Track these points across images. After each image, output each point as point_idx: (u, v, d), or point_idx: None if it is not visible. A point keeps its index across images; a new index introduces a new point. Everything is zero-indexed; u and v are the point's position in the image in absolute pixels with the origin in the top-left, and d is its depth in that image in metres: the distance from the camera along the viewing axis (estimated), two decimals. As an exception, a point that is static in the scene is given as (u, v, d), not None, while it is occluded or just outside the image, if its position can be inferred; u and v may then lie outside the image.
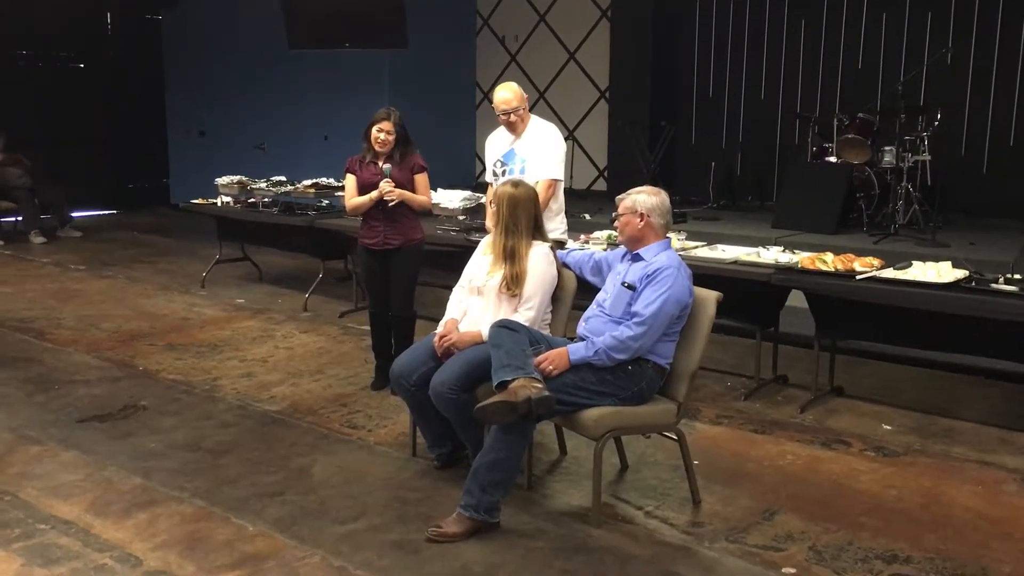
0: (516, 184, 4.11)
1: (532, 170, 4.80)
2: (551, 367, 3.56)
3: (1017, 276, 4.50)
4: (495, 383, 3.47)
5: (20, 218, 10.75)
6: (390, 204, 5.00)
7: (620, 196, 3.89)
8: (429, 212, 5.55)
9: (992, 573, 3.27)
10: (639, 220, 3.77)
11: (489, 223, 4.88)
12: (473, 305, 4.11)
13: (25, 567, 3.28)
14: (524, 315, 3.91)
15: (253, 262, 8.48)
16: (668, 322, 3.61)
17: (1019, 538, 3.53)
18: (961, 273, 4.61)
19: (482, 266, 4.13)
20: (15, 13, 11.85)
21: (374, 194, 5.02)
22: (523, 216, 4.00)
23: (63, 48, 12.83)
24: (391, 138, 5.02)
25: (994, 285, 4.45)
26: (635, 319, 3.58)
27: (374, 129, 5.03)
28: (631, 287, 3.67)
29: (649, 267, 3.66)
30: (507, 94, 4.85)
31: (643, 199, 3.79)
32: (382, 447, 4.44)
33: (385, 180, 4.99)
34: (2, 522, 3.62)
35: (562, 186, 5.00)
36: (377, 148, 5.05)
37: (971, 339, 4.69)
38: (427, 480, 4.03)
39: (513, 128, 4.91)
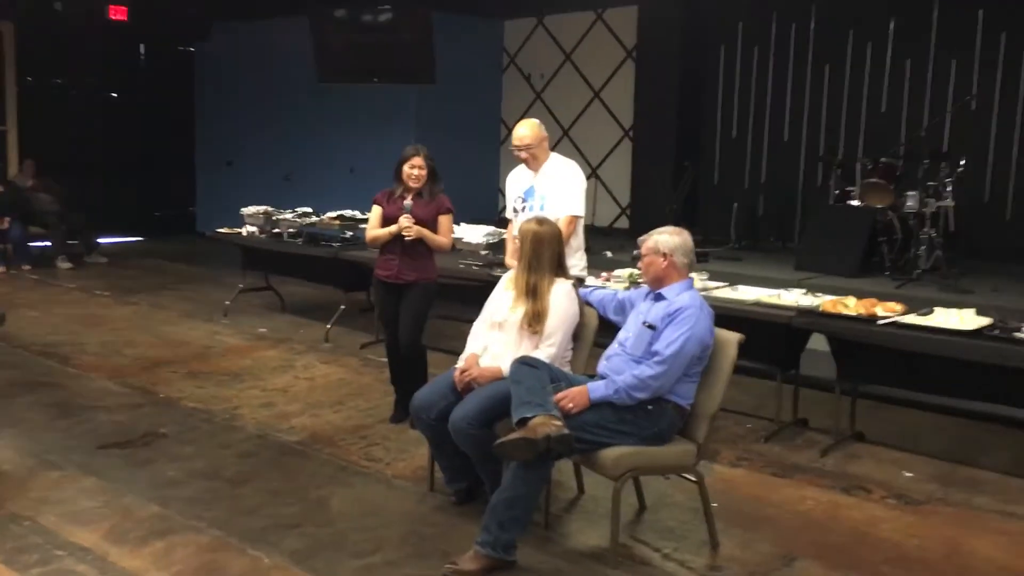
0: (541, 222, 4.14)
1: (552, 206, 4.82)
2: (571, 405, 3.56)
3: (1042, 325, 4.47)
4: (515, 420, 3.47)
5: (48, 243, 10.90)
6: (407, 239, 5.05)
7: (642, 237, 3.91)
8: (449, 252, 5.59)
9: (1015, 627, 3.23)
10: (662, 260, 3.78)
11: (509, 259, 4.92)
12: (494, 340, 4.12)
13: (43, 592, 3.30)
14: (545, 352, 3.92)
15: (276, 292, 8.54)
16: (689, 362, 3.61)
17: (1043, 591, 3.48)
18: (985, 320, 4.59)
19: (504, 301, 4.15)
20: (50, 42, 12.09)
21: (392, 228, 5.08)
22: (547, 253, 4.02)
23: (97, 78, 13.07)
24: (424, 172, 5.08)
25: (1017, 334, 4.41)
26: (656, 359, 3.58)
27: (406, 167, 5.09)
28: (652, 327, 3.67)
29: (671, 307, 3.67)
30: (523, 131, 4.91)
31: (665, 239, 3.81)
32: (400, 481, 4.44)
33: (405, 216, 5.03)
34: (21, 547, 3.64)
35: (582, 223, 5.02)
36: (411, 184, 5.10)
37: (995, 387, 4.64)
38: (444, 515, 4.02)
39: (529, 164, 4.95)
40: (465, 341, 4.23)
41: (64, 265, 10.55)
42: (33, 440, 4.89)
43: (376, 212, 5.24)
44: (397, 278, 5.15)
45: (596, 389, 3.61)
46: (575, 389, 3.62)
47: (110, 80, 13.22)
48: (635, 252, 3.94)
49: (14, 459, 4.60)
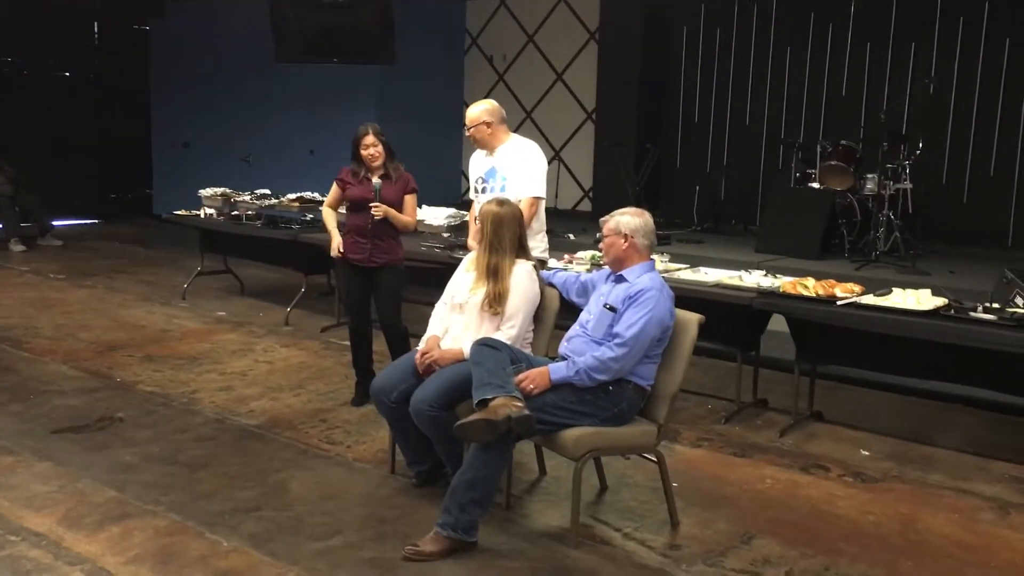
0: (501, 203, 4.11)
1: (513, 188, 4.79)
2: (532, 386, 3.55)
3: (996, 305, 4.54)
4: (475, 401, 3.46)
5: (1, 226, 10.67)
6: (376, 218, 5.00)
7: (604, 218, 3.90)
8: (413, 232, 5.57)
9: (968, 601, 3.28)
10: (623, 241, 3.77)
11: (472, 241, 4.89)
12: (455, 322, 4.10)
13: (-6, 579, 3.24)
14: (506, 333, 3.90)
15: (235, 275, 8.44)
16: (649, 344, 3.61)
17: (994, 566, 3.54)
18: (940, 301, 4.65)
19: (465, 283, 4.12)
20: (2, 21, 11.80)
21: (334, 243, 5.18)
22: (507, 234, 4.00)
23: (50, 56, 12.79)
24: (379, 150, 5.04)
25: (973, 314, 4.48)
26: (616, 340, 3.58)
27: (361, 148, 5.05)
28: (613, 309, 3.67)
29: (632, 288, 3.67)
30: (472, 111, 4.87)
31: (627, 220, 3.80)
32: (361, 463, 4.41)
33: (373, 204, 4.98)
34: (-28, 533, 3.57)
35: (544, 204, 4.99)
36: (373, 165, 5.06)
37: (950, 367, 4.71)
38: (405, 498, 4.01)
39: (482, 145, 4.91)
40: (427, 323, 4.21)
41: (17, 248, 10.34)
42: (-16, 425, 4.80)
43: (335, 190, 5.21)
44: (368, 261, 5.11)
45: (557, 370, 3.61)
46: (536, 370, 3.62)
47: (63, 59, 12.94)
48: (598, 235, 3.93)
49: (-35, 445, 4.51)
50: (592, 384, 3.58)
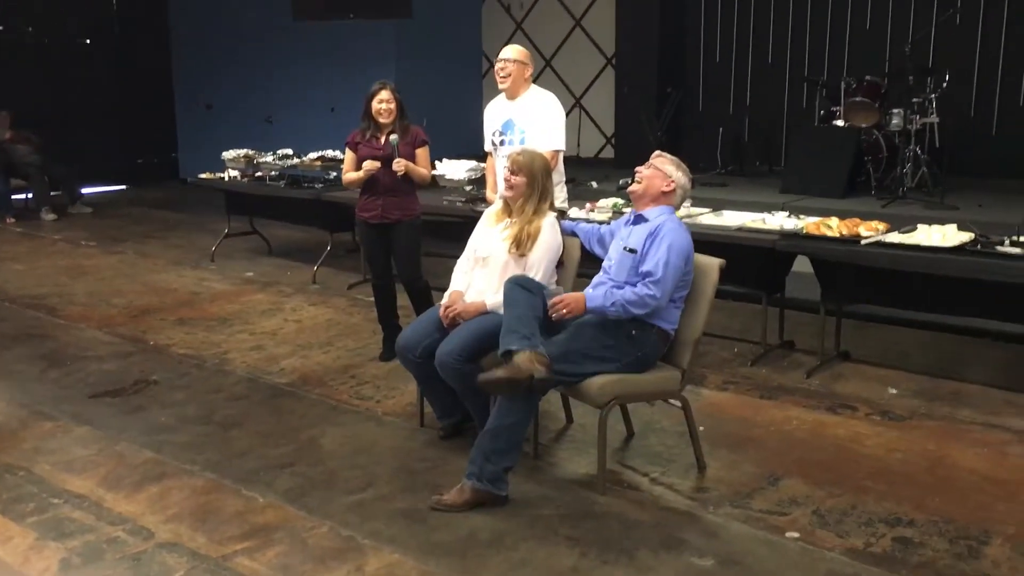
0: (532, 154, 4.12)
1: (532, 141, 4.77)
2: (566, 311, 3.58)
3: (1023, 238, 4.48)
4: (501, 350, 3.47)
5: (31, 195, 10.80)
6: (398, 174, 5.01)
7: (662, 153, 3.90)
8: (432, 185, 5.56)
9: (995, 535, 3.29)
10: (667, 184, 3.76)
11: (490, 193, 4.90)
12: (478, 276, 4.12)
13: (39, 540, 3.35)
14: (529, 281, 3.92)
15: (262, 235, 8.50)
16: (678, 275, 3.60)
17: (1023, 500, 3.55)
18: (967, 236, 4.60)
19: (487, 236, 4.14)
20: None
21: (369, 167, 5.02)
22: (541, 181, 4.01)
23: (70, 24, 12.81)
24: (392, 106, 5.03)
25: (1000, 248, 4.43)
26: (650, 278, 3.56)
27: (374, 102, 5.04)
28: (633, 251, 3.67)
29: (651, 227, 3.68)
30: (507, 51, 4.92)
31: (680, 175, 3.81)
32: (390, 418, 4.48)
33: (396, 160, 4.98)
34: (16, 497, 3.68)
35: (562, 156, 4.98)
36: (382, 120, 5.06)
37: (977, 302, 4.67)
38: (435, 450, 4.07)
39: (506, 84, 4.89)
40: (451, 277, 4.23)
41: (48, 216, 10.46)
42: (24, 391, 4.91)
43: (349, 155, 5.21)
44: (382, 218, 5.13)
45: (593, 298, 3.61)
46: (572, 295, 3.64)
47: (82, 27, 12.95)
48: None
49: (6, 411, 4.63)
50: (627, 317, 3.57)
